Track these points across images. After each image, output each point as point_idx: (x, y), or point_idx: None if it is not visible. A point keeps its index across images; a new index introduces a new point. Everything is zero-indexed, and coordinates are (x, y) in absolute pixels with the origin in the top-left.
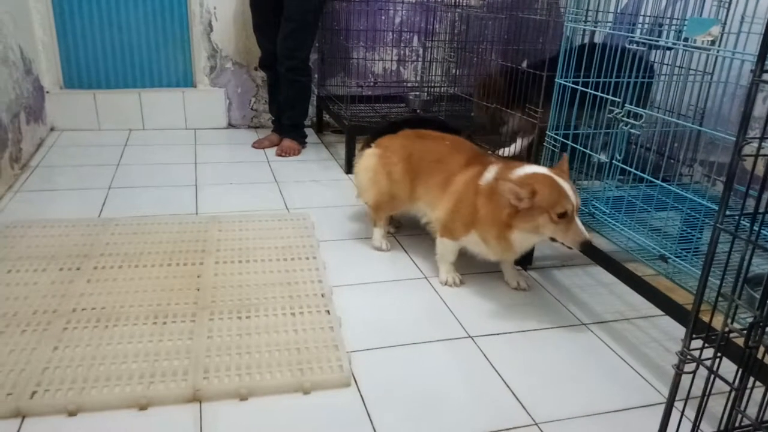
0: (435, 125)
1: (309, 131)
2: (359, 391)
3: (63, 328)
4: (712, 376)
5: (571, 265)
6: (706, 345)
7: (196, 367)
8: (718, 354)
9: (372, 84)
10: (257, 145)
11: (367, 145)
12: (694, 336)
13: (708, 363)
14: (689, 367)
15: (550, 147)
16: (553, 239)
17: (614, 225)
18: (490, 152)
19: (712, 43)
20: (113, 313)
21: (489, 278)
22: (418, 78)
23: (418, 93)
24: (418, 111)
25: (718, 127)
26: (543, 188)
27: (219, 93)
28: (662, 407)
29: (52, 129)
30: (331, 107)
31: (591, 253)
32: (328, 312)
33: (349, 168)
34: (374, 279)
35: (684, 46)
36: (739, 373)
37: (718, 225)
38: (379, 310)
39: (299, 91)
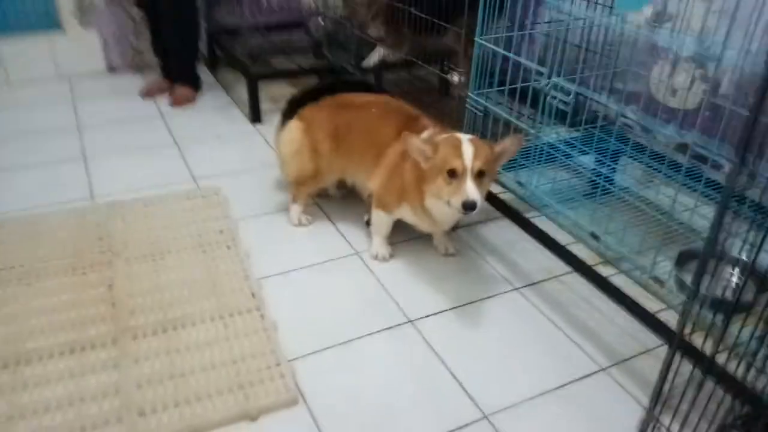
0: (361, 88)
1: (201, 68)
2: (308, 408)
3: None
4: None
5: (495, 218)
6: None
7: (128, 407)
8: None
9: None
10: (146, 94)
11: (289, 112)
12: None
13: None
14: None
15: (472, 110)
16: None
17: (544, 200)
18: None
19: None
20: (20, 351)
21: (419, 246)
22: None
23: (320, 19)
24: (320, 41)
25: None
26: (444, 147)
27: (91, 34)
28: (600, 375)
29: None
30: (224, 43)
31: (509, 213)
32: (262, 316)
33: (254, 116)
34: (303, 263)
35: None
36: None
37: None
38: (314, 303)
39: (185, 28)
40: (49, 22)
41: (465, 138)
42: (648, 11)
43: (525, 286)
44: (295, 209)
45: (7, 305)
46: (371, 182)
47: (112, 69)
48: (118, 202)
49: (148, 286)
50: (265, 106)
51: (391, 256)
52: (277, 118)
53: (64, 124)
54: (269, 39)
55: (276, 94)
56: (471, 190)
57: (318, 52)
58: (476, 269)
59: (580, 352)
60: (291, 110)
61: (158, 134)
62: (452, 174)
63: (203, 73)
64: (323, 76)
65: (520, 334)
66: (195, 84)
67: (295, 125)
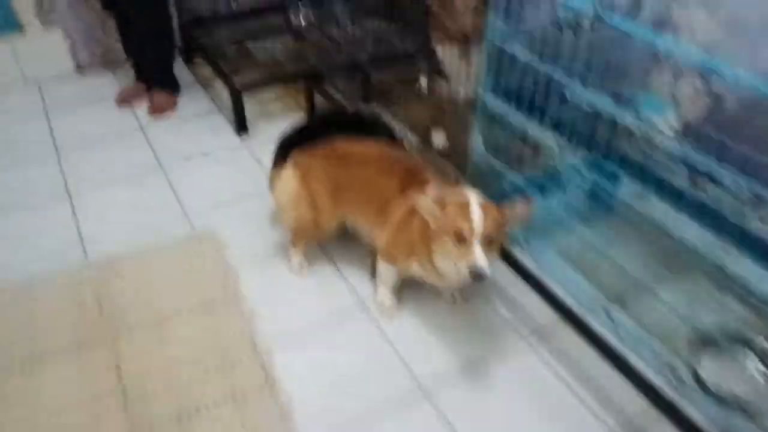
0: (354, 123)
1: (178, 62)
2: None
3: None
4: None
5: None
6: None
7: None
8: None
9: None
10: (122, 101)
11: (281, 154)
12: None
13: None
14: None
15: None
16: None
17: (555, 264)
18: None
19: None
20: None
21: (424, 291)
22: None
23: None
24: (303, 34)
25: None
26: (452, 208)
27: (54, 34)
28: None
29: None
30: (200, 39)
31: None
32: (275, 397)
33: (240, 127)
34: (308, 320)
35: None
36: None
37: None
38: (324, 372)
39: (157, 28)
40: (7, 24)
41: (474, 200)
42: (672, 119)
43: (532, 335)
44: (295, 257)
45: (16, 405)
46: (377, 237)
47: (80, 68)
48: (113, 259)
49: (157, 364)
50: (249, 112)
51: (397, 307)
52: (262, 126)
53: (41, 148)
54: (246, 26)
55: (260, 95)
56: (480, 259)
57: (299, 35)
58: (481, 317)
59: (589, 415)
60: (284, 151)
61: (141, 154)
62: (460, 237)
63: (180, 68)
64: (309, 81)
65: (531, 398)
66: (173, 88)
67: (290, 174)
